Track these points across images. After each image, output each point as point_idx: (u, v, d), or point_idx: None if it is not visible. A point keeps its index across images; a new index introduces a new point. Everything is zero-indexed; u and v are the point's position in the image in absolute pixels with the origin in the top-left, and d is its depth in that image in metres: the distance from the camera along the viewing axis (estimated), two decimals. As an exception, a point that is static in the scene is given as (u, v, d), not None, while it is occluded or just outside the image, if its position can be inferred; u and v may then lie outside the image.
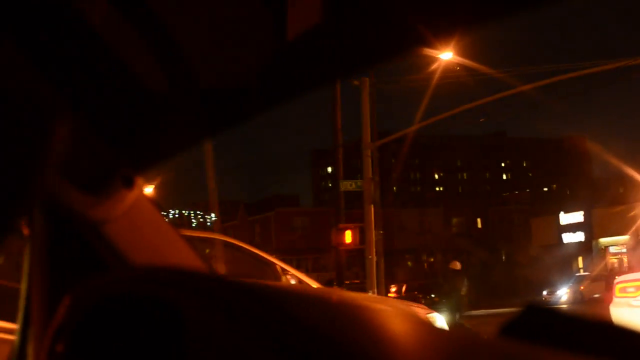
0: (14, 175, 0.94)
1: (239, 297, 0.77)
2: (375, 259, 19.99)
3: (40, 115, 0.96)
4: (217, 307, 0.77)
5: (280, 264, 7.46)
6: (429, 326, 0.83)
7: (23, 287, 1.27)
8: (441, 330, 0.87)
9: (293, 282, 7.14)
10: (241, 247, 7.58)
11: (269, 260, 7.32)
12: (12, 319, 1.43)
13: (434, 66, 18.90)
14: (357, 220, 20.95)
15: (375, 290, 19.24)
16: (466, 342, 0.73)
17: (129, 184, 1.20)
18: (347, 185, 20.88)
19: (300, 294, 0.84)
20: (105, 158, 1.20)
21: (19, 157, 0.93)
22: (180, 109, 1.15)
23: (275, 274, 7.08)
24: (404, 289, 32.00)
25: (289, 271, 7.32)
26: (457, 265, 17.35)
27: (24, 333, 1.28)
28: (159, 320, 0.86)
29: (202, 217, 59.11)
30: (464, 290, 16.88)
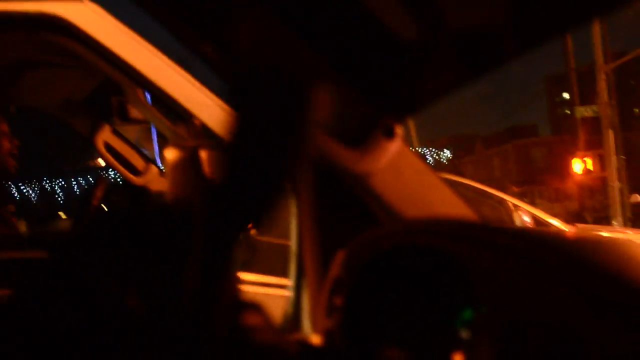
0: (283, 136, 0.95)
1: (526, 246, 0.75)
2: (618, 186, 19.13)
3: (305, 78, 0.98)
4: (503, 257, 0.76)
5: (512, 200, 7.24)
6: None
7: (293, 243, 1.33)
8: None
9: (526, 218, 6.90)
10: (468, 184, 7.14)
11: (500, 197, 7.10)
12: (282, 275, 1.50)
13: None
14: (597, 146, 20.14)
15: (620, 220, 18.48)
16: None
17: (390, 134, 1.19)
18: (582, 111, 19.93)
19: (575, 237, 0.86)
20: (365, 111, 1.20)
21: (288, 119, 0.95)
22: (433, 55, 1.10)
23: (507, 211, 6.89)
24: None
25: (520, 207, 7.07)
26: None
27: (298, 287, 1.33)
28: (439, 273, 0.85)
29: (437, 154, 58.58)
30: None
